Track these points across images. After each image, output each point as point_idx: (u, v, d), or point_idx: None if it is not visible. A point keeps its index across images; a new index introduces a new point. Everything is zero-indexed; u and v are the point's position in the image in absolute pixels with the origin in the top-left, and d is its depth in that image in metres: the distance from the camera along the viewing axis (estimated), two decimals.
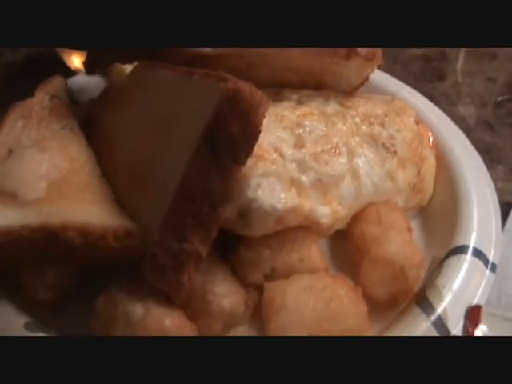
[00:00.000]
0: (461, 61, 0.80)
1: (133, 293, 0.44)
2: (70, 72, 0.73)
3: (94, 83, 0.64)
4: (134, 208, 0.46)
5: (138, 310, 0.43)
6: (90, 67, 0.62)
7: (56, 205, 0.46)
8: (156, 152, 0.46)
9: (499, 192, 0.59)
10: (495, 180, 0.60)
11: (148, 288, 0.44)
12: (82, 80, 0.64)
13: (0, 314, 0.45)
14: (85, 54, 0.70)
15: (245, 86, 0.43)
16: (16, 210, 0.46)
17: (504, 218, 0.58)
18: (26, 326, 0.44)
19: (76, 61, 0.74)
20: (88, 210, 0.46)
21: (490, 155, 0.64)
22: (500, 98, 0.74)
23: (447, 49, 0.82)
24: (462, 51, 0.82)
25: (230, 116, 0.43)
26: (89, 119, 0.57)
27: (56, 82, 0.58)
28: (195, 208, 0.43)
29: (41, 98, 0.56)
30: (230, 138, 0.43)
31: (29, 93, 0.63)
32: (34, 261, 0.46)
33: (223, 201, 0.43)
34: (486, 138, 0.68)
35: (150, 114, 0.48)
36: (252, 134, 0.43)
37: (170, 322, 0.42)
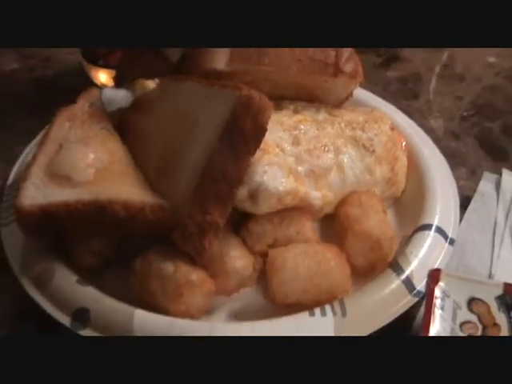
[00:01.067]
0: (433, 83, 0.95)
1: (165, 255, 0.56)
2: (96, 87, 0.86)
3: (120, 95, 0.77)
4: (164, 191, 0.59)
5: (169, 267, 0.55)
6: (118, 82, 0.77)
7: (103, 186, 0.59)
8: (184, 146, 0.59)
9: (461, 188, 0.73)
10: (458, 179, 0.74)
11: (177, 251, 0.56)
12: (110, 93, 0.77)
13: (57, 273, 0.58)
14: (110, 71, 0.85)
15: (255, 93, 0.56)
16: (71, 189, 0.58)
17: (464, 208, 0.72)
18: (79, 282, 0.57)
19: (102, 77, 0.88)
20: (129, 190, 0.58)
21: (454, 159, 0.78)
22: (465, 113, 0.88)
23: (422, 72, 0.97)
24: (435, 75, 0.97)
25: (244, 116, 0.56)
26: (121, 123, 0.70)
27: (93, 93, 0.72)
28: (216, 188, 0.56)
29: (82, 105, 0.69)
30: (243, 134, 0.56)
31: (59, 105, 0.77)
32: (84, 231, 0.59)
33: (237, 182, 0.57)
34: (452, 145, 0.82)
35: (178, 116, 0.61)
36: (260, 131, 0.57)
37: (195, 277, 0.55)
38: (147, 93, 0.69)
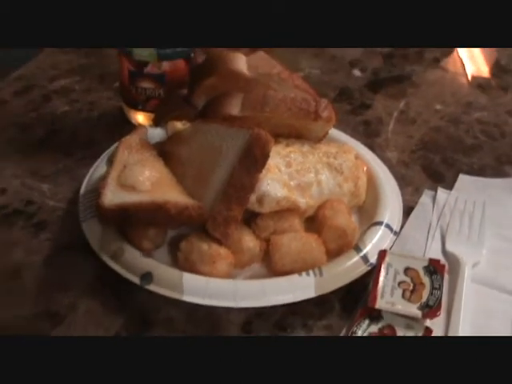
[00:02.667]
0: (391, 125, 1.28)
1: (201, 238, 0.87)
2: (134, 126, 1.18)
3: (157, 133, 1.10)
4: (199, 197, 0.90)
5: (205, 245, 0.86)
6: (156, 122, 1.10)
7: (157, 193, 0.89)
8: (213, 167, 0.89)
9: (407, 201, 1.04)
10: (405, 195, 1.06)
11: (210, 236, 0.87)
12: (150, 130, 1.09)
13: (127, 250, 0.88)
14: (147, 114, 1.17)
15: (262, 131, 0.88)
16: (136, 194, 0.90)
17: (409, 214, 1.04)
18: (143, 255, 0.88)
19: (140, 118, 1.20)
20: (176, 196, 0.89)
21: (404, 181, 1.09)
22: (414, 148, 1.21)
23: (383, 116, 1.31)
24: (393, 119, 1.31)
25: (255, 147, 0.87)
26: (160, 153, 1.02)
27: (143, 130, 1.05)
28: (236, 194, 0.87)
29: (135, 138, 1.01)
30: (254, 159, 0.87)
31: (104, 139, 1.10)
32: (144, 223, 0.90)
33: (250, 191, 0.87)
34: (402, 171, 1.13)
35: (208, 147, 0.93)
36: (265, 157, 0.87)
37: (223, 252, 0.86)
38: (181, 130, 1.02)
